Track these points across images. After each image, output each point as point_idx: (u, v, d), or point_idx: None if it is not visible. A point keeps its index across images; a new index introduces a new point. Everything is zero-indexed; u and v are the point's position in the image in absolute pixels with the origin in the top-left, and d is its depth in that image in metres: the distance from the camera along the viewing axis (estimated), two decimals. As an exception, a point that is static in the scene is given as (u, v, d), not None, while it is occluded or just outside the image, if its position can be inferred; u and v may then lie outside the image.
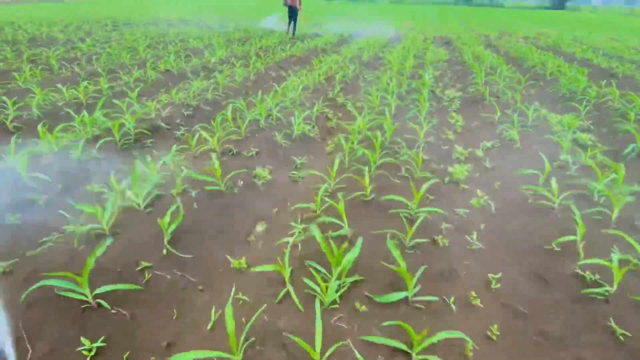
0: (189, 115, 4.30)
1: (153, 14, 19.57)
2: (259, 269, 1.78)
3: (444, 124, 4.48)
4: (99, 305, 1.64)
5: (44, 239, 2.06)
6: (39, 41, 9.77)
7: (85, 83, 4.95)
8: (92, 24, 14.24)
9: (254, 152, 3.17)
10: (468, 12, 37.44)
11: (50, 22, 14.66)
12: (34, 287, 1.57)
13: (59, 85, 4.55)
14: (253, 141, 3.43)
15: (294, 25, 11.24)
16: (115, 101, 3.85)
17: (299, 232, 2.21)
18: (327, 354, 1.38)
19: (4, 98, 3.95)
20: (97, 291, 1.62)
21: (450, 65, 8.30)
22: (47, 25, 13.33)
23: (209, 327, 1.60)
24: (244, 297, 1.75)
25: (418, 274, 1.75)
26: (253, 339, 1.49)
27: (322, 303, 1.65)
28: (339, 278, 1.73)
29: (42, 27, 12.60)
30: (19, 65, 6.37)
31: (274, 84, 5.93)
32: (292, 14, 10.80)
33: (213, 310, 1.66)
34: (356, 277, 1.82)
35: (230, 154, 3.14)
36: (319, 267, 1.82)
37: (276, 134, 3.56)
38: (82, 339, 1.47)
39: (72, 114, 3.50)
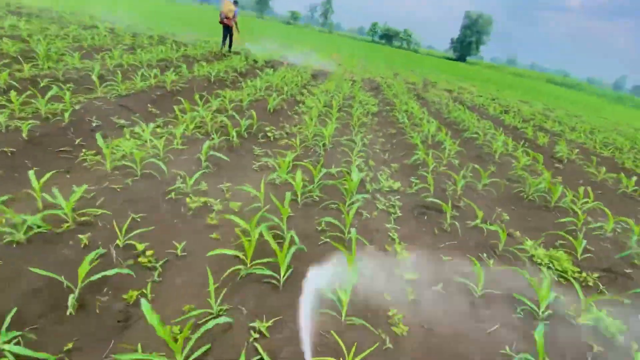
0: None
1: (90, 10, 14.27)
2: None
3: (383, 264, 2.32)
4: None
5: None
6: None
7: None
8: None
9: None
10: (389, 53, 39.47)
11: None
12: None
13: None
14: None
15: (230, 41, 11.37)
16: None
17: None
18: None
19: None
20: None
21: (382, 124, 6.57)
22: None
23: None
24: None
25: None
26: None
27: None
28: None
29: None
30: None
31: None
32: (227, 31, 11.10)
33: None
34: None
35: None
36: None
37: None
38: None
39: None
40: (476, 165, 4.20)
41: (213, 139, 3.55)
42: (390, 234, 2.95)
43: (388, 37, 75.00)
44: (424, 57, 53.22)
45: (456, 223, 2.97)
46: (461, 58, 68.59)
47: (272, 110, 5.56)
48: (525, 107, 12.85)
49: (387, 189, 3.84)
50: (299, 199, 2.85)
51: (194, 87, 5.83)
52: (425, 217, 3.27)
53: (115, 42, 8.41)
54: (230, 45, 11.40)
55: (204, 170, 3.09)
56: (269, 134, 4.71)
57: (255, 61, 10.06)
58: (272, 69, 9.48)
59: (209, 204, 2.77)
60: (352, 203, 2.95)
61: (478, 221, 3.07)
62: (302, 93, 7.71)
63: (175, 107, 4.00)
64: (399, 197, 3.66)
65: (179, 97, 4.99)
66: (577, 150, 6.41)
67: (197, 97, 4.49)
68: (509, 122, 8.71)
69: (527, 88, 26.29)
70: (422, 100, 10.23)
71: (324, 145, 4.28)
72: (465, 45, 69.47)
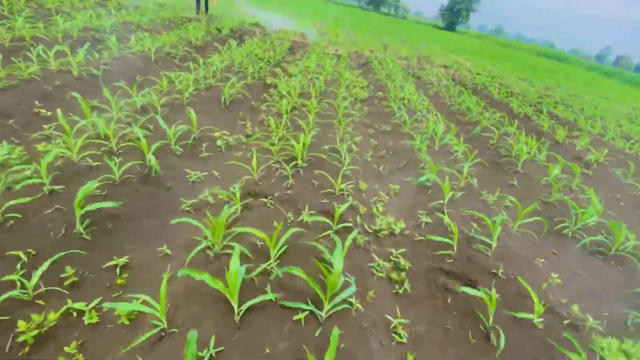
0: None
1: None
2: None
3: None
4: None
5: None
6: None
7: None
8: None
9: None
10: (377, 20, 36.84)
11: None
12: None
13: None
14: None
15: (206, 3, 10.25)
16: None
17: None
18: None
19: None
20: None
21: (374, 117, 5.23)
22: None
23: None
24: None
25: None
26: None
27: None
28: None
29: None
30: None
31: None
32: None
33: None
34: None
35: None
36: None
37: None
38: None
39: None
40: (511, 198, 3.00)
41: (117, 164, 2.17)
42: (398, 338, 1.78)
43: (375, 2, 70.80)
44: (413, 25, 50.29)
45: (499, 330, 1.80)
46: (450, 26, 65.76)
47: (227, 103, 4.12)
48: (526, 86, 11.67)
49: (387, 231, 2.64)
50: (235, 310, 1.56)
51: (121, 70, 4.25)
52: (449, 300, 2.09)
53: (35, 4, 6.48)
54: (207, 7, 10.18)
55: (83, 237, 1.76)
56: (219, 142, 3.34)
57: (219, 30, 8.26)
58: (238, 41, 7.77)
59: (69, 322, 1.48)
60: (333, 309, 1.70)
61: (534, 316, 1.90)
62: (275, 73, 6.19)
63: (59, 111, 2.52)
64: (404, 248, 2.47)
65: (89, 89, 3.46)
66: (606, 150, 5.32)
67: (106, 91, 3.00)
68: (518, 109, 7.51)
69: (519, 61, 24.98)
70: (417, 80, 8.84)
71: (295, 165, 2.96)
72: (455, 12, 66.42)
